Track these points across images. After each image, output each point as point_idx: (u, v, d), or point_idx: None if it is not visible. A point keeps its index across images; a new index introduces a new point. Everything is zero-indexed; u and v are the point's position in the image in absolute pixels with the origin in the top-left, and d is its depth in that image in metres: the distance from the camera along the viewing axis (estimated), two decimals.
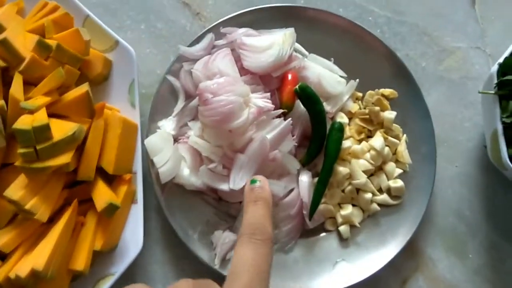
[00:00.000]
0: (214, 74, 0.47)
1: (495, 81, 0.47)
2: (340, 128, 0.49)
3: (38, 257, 0.38)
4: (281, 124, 0.46)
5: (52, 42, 0.43)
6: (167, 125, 0.49)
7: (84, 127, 0.42)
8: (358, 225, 0.50)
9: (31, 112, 0.40)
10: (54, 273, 0.39)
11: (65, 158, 0.40)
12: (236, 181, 0.45)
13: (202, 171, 0.46)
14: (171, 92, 0.51)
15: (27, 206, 0.39)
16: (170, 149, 0.47)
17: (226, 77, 0.46)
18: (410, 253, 0.52)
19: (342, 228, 0.50)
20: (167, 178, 0.47)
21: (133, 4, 0.56)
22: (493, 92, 0.47)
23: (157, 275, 0.49)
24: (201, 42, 0.51)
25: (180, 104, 0.50)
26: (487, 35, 0.59)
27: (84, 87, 0.44)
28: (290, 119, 0.47)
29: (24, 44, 0.43)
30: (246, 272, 0.23)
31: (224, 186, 0.46)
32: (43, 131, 0.39)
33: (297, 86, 0.48)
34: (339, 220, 0.50)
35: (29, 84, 0.43)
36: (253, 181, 0.33)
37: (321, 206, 0.49)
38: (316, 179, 0.49)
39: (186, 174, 0.47)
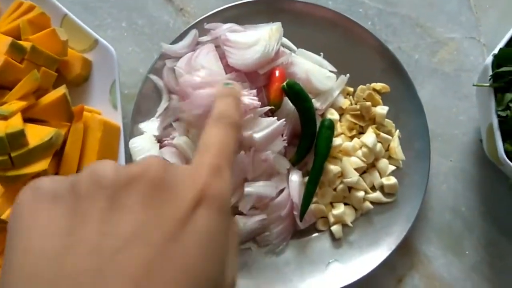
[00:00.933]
0: (197, 71, 0.45)
1: (490, 73, 0.45)
2: (330, 125, 0.47)
3: None
4: (274, 124, 0.45)
5: (26, 44, 0.41)
6: (151, 127, 0.47)
7: (61, 132, 0.40)
8: (350, 224, 0.48)
9: (5, 118, 0.38)
10: None
11: (42, 165, 0.38)
12: None
13: None
14: (155, 91, 0.49)
15: (4, 216, 0.37)
16: (155, 153, 0.46)
17: (208, 70, 0.44)
18: (405, 251, 0.50)
19: (335, 228, 0.48)
20: None
21: (113, 1, 0.54)
22: (488, 84, 0.45)
23: None
24: (184, 39, 0.49)
25: (164, 104, 0.48)
26: (481, 24, 0.57)
27: (61, 90, 0.42)
28: (283, 119, 0.45)
29: None
30: (215, 146, 0.23)
31: None
32: (18, 138, 0.37)
33: (284, 83, 0.46)
34: (331, 219, 0.48)
35: (3, 88, 0.41)
36: (226, 84, 0.33)
37: (312, 206, 0.48)
38: (306, 178, 0.48)
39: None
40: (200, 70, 0.45)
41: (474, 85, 0.47)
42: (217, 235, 0.20)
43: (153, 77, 0.48)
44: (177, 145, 0.45)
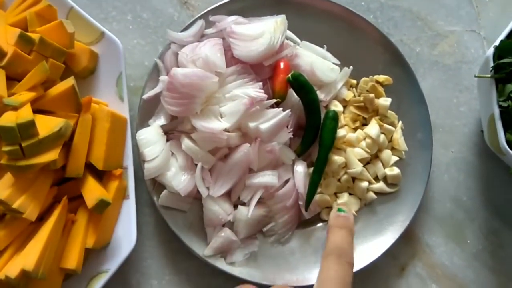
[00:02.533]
0: (198, 59, 0.46)
1: (491, 64, 0.46)
2: (335, 116, 0.48)
3: (28, 257, 0.37)
4: (279, 115, 0.45)
5: (35, 36, 0.42)
6: (158, 121, 0.48)
7: (70, 123, 0.41)
8: (355, 213, 0.49)
9: (15, 108, 0.39)
10: (45, 273, 0.38)
11: (52, 155, 0.39)
12: (216, 189, 0.46)
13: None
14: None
15: (15, 205, 0.37)
16: (162, 146, 0.46)
17: (197, 70, 0.45)
18: (408, 240, 0.51)
19: None
20: (151, 175, 0.46)
21: None
22: (489, 75, 0.46)
23: (152, 271, 0.48)
24: (190, 28, 0.49)
25: (159, 86, 0.48)
26: (481, 17, 0.58)
27: (70, 81, 0.42)
28: (289, 110, 0.46)
29: (6, 38, 0.42)
30: (337, 283, 0.27)
31: (203, 190, 0.45)
32: (28, 128, 0.38)
33: (289, 75, 0.46)
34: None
35: (12, 79, 0.42)
36: (339, 210, 0.38)
37: (317, 196, 0.48)
38: (311, 169, 0.48)
39: (170, 175, 0.46)
40: (199, 59, 0.46)
41: (475, 77, 0.48)
42: None
43: (157, 60, 0.49)
44: (185, 149, 0.46)
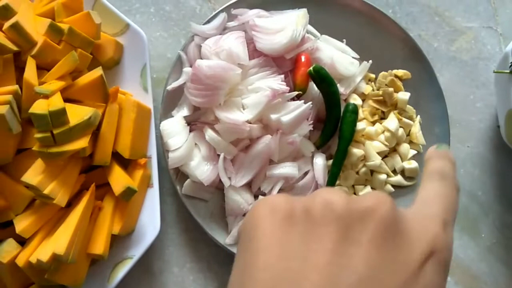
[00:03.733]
0: (222, 51, 0.47)
1: (510, 60, 0.47)
2: (355, 109, 0.49)
3: (59, 242, 0.38)
4: (300, 107, 0.46)
5: (64, 26, 0.43)
6: (182, 112, 0.48)
7: (99, 112, 0.42)
8: None
9: (46, 96, 0.40)
10: (74, 257, 0.39)
11: (82, 143, 0.40)
12: (238, 179, 0.46)
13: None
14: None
15: (46, 191, 0.38)
16: (185, 136, 0.47)
17: (221, 62, 0.46)
18: None
19: None
20: (175, 165, 0.47)
21: None
22: (508, 71, 0.47)
23: (174, 258, 0.49)
24: (213, 21, 0.50)
25: (183, 78, 0.49)
26: (498, 14, 0.58)
27: (98, 71, 0.43)
28: (310, 102, 0.47)
29: (35, 28, 0.43)
30: (443, 201, 0.23)
31: (225, 180, 0.46)
32: (60, 116, 0.38)
33: (311, 68, 0.47)
34: None
35: (41, 69, 0.42)
36: (439, 146, 0.30)
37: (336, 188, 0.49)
38: (330, 162, 0.49)
39: (193, 165, 0.47)
40: (223, 51, 0.46)
41: (494, 72, 0.49)
42: (438, 286, 0.20)
43: (181, 52, 0.49)
44: (209, 140, 0.46)
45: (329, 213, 0.20)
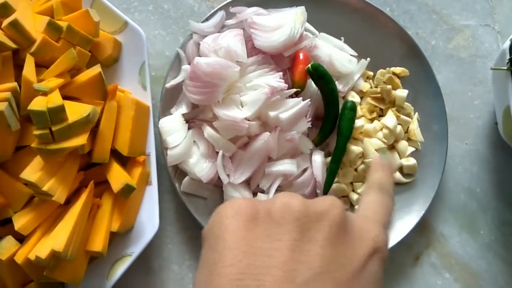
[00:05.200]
0: (221, 49, 0.47)
1: (508, 57, 0.47)
2: (353, 107, 0.49)
3: (57, 238, 0.38)
4: (299, 104, 0.46)
5: (62, 23, 0.43)
6: (180, 110, 0.49)
7: (98, 109, 0.42)
8: None
9: (45, 94, 0.40)
10: (73, 254, 0.39)
11: (80, 140, 0.40)
12: (236, 176, 0.46)
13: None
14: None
15: (45, 188, 0.38)
16: (184, 134, 0.47)
17: (220, 60, 0.46)
18: (423, 230, 0.52)
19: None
20: (174, 162, 0.47)
21: None
22: (505, 68, 0.47)
23: (173, 255, 0.49)
24: (211, 19, 0.50)
25: (181, 76, 0.49)
26: (496, 12, 0.59)
27: (97, 69, 0.43)
28: (308, 99, 0.47)
29: (34, 26, 0.43)
30: (381, 208, 0.27)
31: (224, 177, 0.46)
32: (58, 113, 0.38)
33: (309, 65, 0.47)
34: (354, 198, 0.50)
35: (40, 66, 0.42)
36: (383, 153, 0.39)
37: (334, 185, 0.49)
38: (328, 159, 0.49)
39: (192, 162, 0.47)
40: (221, 49, 0.46)
41: (492, 69, 0.49)
42: (380, 280, 0.23)
43: (179, 50, 0.50)
44: (208, 137, 0.47)
45: (288, 215, 0.22)
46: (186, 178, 0.47)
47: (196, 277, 0.22)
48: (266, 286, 0.20)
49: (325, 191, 0.49)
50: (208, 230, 0.23)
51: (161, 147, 0.48)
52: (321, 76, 0.48)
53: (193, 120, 0.49)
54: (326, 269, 0.21)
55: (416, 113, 0.52)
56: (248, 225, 0.22)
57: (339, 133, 0.49)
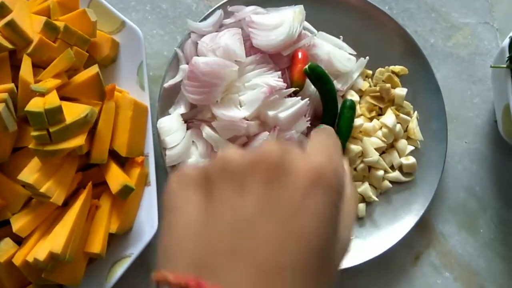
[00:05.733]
0: (219, 48, 0.46)
1: (507, 54, 0.47)
2: (352, 106, 0.49)
3: (56, 240, 0.38)
4: (298, 104, 0.46)
5: (59, 24, 0.42)
6: (179, 110, 0.48)
7: (95, 110, 0.41)
8: (376, 198, 0.49)
9: (42, 94, 0.39)
10: (72, 256, 0.39)
11: (78, 141, 0.39)
12: None
13: None
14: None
15: (42, 189, 0.38)
16: (182, 134, 0.47)
17: (218, 59, 0.46)
18: (422, 229, 0.52)
19: (359, 206, 0.50)
20: (172, 162, 0.47)
21: None
22: (505, 66, 0.47)
23: None
24: (209, 18, 0.50)
25: (179, 76, 0.49)
26: (495, 9, 0.58)
27: (94, 69, 0.43)
28: (307, 99, 0.47)
29: (31, 26, 0.42)
30: (325, 141, 0.26)
31: None
32: (56, 114, 0.38)
33: (306, 67, 0.47)
34: None
35: (37, 67, 0.42)
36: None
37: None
38: None
39: (191, 162, 0.47)
40: (219, 48, 0.46)
41: (491, 67, 0.49)
42: (328, 209, 0.22)
43: (177, 49, 0.49)
44: (206, 137, 0.46)
45: (225, 173, 0.22)
46: None
47: (160, 242, 0.23)
48: (209, 238, 0.21)
49: None
50: (164, 200, 0.24)
51: (160, 148, 0.47)
52: (319, 77, 0.47)
53: (191, 120, 0.49)
54: (264, 212, 0.21)
55: (416, 112, 0.52)
56: (191, 189, 0.23)
57: (338, 132, 0.49)
